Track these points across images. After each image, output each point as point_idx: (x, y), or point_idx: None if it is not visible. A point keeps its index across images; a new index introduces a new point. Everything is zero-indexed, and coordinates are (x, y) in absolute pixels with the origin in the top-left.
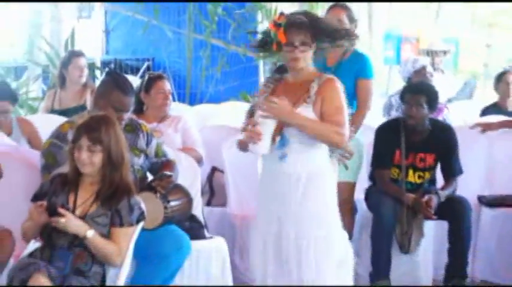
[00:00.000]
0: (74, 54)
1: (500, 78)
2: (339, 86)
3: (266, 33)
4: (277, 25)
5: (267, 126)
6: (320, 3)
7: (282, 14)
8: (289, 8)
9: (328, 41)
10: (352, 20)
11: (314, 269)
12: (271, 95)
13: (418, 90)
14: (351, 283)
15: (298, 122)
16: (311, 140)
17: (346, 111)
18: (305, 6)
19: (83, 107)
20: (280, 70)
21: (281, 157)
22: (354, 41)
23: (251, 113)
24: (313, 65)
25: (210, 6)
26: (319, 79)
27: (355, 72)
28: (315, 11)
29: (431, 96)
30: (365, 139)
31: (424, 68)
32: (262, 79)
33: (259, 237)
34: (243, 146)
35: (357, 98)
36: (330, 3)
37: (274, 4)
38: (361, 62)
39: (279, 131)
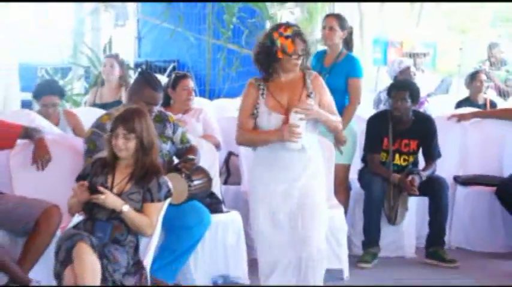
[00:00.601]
0: (105, 56)
1: (474, 76)
2: None
3: (272, 43)
4: (286, 37)
5: (302, 126)
6: (319, 8)
7: (288, 25)
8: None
9: None
10: (343, 27)
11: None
12: (269, 93)
13: (402, 86)
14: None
15: (326, 119)
16: (313, 128)
17: None
18: (305, 11)
19: (119, 102)
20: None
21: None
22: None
23: None
24: (312, 66)
25: (226, 16)
26: (309, 76)
27: (347, 72)
28: (315, 16)
29: (413, 92)
30: (357, 128)
31: (408, 68)
32: None
33: (267, 209)
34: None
35: (349, 94)
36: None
37: (279, 14)
38: (352, 63)
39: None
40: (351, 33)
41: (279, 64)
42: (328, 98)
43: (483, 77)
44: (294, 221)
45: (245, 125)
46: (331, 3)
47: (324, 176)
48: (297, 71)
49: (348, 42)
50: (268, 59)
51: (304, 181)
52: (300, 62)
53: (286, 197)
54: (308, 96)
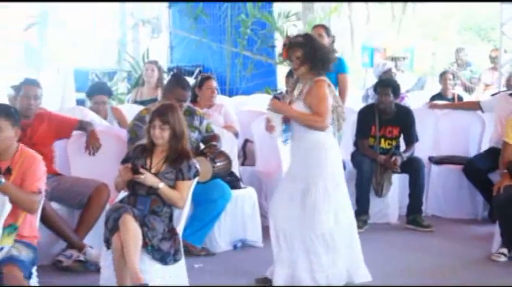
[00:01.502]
0: (145, 62)
1: (442, 76)
2: (325, 85)
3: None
4: (283, 45)
5: (277, 119)
6: (318, 21)
7: (287, 37)
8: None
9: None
10: (329, 35)
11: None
12: (291, 92)
13: (386, 84)
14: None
15: (291, 114)
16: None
17: (327, 103)
18: (306, 24)
19: (155, 99)
20: (291, 73)
21: (285, 141)
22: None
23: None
24: None
25: (242, 28)
26: (311, 80)
27: (337, 69)
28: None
29: (395, 89)
30: (349, 119)
31: (390, 69)
32: (278, 78)
33: (286, 190)
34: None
35: (339, 88)
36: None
37: (285, 26)
38: (340, 62)
39: (285, 122)
40: (333, 41)
41: None
42: (315, 100)
43: (449, 76)
44: (304, 203)
45: None
46: (327, 17)
47: (326, 165)
48: (304, 74)
49: None
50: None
51: (307, 170)
52: (295, 66)
53: (296, 183)
54: (298, 98)
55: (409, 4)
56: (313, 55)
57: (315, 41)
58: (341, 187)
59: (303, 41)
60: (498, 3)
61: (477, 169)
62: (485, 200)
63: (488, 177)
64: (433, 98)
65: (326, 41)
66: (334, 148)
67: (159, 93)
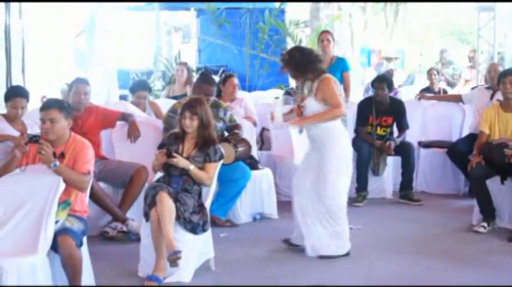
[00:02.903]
0: (177, 63)
1: (428, 72)
2: (332, 80)
3: None
4: (281, 61)
5: (279, 111)
6: (323, 28)
7: (281, 54)
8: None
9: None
10: (333, 39)
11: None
12: (301, 90)
13: (382, 80)
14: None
15: (311, 121)
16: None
17: (338, 93)
18: (314, 30)
19: (185, 94)
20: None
21: (300, 131)
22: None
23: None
24: None
25: (259, 34)
26: (319, 79)
27: (342, 68)
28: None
29: (389, 84)
30: (351, 110)
31: (392, 69)
32: (290, 77)
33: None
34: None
35: (344, 84)
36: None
37: (295, 32)
38: (343, 62)
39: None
40: (335, 44)
41: None
42: (328, 94)
43: (434, 72)
44: (315, 180)
45: None
46: (331, 24)
47: (333, 151)
48: (311, 77)
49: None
50: None
51: (318, 155)
52: (294, 79)
53: (314, 164)
54: (309, 95)
55: (400, 13)
56: (300, 67)
57: (296, 55)
58: (349, 168)
59: (288, 60)
60: (476, 12)
61: (459, 152)
62: (465, 178)
63: (468, 158)
64: (423, 91)
65: (332, 44)
66: (344, 133)
67: (188, 90)
